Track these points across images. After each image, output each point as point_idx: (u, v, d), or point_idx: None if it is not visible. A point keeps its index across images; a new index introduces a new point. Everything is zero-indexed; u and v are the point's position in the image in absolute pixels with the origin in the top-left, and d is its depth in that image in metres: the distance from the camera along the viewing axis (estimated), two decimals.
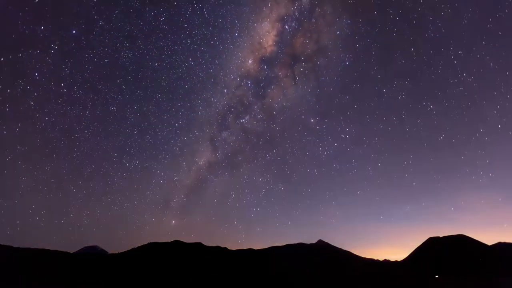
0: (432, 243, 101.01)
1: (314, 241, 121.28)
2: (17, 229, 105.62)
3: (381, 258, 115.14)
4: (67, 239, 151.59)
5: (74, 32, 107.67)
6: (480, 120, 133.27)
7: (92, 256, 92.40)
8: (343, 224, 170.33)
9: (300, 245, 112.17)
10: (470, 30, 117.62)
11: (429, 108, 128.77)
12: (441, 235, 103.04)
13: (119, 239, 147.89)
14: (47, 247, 78.88)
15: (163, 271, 73.23)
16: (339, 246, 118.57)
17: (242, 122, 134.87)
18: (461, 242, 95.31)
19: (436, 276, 79.12)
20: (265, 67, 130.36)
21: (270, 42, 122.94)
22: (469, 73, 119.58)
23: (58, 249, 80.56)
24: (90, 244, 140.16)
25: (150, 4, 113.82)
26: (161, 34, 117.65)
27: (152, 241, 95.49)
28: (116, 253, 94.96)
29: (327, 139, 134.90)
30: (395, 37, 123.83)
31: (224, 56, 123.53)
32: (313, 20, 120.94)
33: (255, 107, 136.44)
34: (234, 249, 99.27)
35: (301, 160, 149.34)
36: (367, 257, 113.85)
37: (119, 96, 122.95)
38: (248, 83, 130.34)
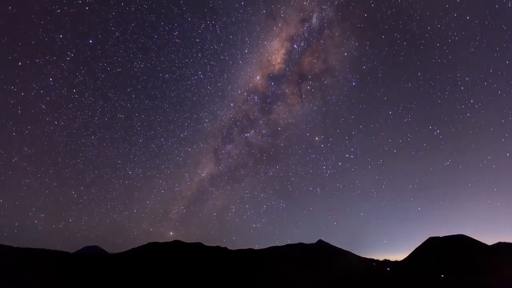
0: (432, 243, 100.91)
1: (314, 241, 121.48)
2: (14, 230, 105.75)
3: (381, 258, 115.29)
4: (64, 243, 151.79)
5: (90, 41, 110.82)
6: (487, 147, 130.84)
7: (92, 256, 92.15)
8: (343, 239, 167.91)
9: (300, 245, 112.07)
10: (477, 58, 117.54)
11: (435, 133, 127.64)
12: (441, 235, 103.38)
13: (117, 246, 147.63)
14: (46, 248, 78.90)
15: (163, 271, 73.06)
16: (339, 247, 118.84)
17: (247, 136, 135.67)
18: (461, 242, 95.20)
19: (442, 276, 79.06)
20: (273, 83, 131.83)
21: (279, 60, 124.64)
22: (476, 100, 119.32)
23: (58, 249, 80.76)
24: (90, 244, 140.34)
25: (165, 19, 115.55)
26: (173, 48, 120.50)
27: (152, 241, 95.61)
28: (116, 253, 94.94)
29: (331, 158, 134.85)
30: (402, 60, 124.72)
31: (233, 71, 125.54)
32: (322, 41, 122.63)
33: (261, 122, 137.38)
34: (234, 249, 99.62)
35: (304, 178, 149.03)
36: (367, 257, 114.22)
37: (128, 105, 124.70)
38: (255, 98, 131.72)
